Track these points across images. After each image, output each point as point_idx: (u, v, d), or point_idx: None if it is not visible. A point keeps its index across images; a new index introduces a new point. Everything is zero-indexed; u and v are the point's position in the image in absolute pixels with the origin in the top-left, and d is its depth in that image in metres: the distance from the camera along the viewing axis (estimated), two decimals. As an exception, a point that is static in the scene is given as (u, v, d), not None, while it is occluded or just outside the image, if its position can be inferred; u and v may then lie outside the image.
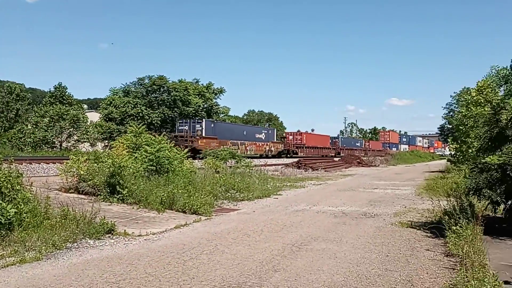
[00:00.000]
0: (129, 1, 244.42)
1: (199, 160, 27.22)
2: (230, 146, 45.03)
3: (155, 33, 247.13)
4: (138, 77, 58.22)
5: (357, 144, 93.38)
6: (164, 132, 29.13)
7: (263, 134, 58.82)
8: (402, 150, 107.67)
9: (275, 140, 61.45)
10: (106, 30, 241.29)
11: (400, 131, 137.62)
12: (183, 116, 53.68)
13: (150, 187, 14.17)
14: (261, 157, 53.03)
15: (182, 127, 46.74)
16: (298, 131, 70.29)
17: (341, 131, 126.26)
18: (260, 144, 56.59)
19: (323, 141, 75.74)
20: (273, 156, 56.36)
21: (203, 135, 45.73)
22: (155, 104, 54.06)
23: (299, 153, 63.62)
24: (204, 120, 49.21)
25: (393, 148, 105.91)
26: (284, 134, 67.73)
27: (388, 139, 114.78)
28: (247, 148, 53.62)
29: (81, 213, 9.78)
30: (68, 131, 45.64)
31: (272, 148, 59.17)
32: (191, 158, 24.87)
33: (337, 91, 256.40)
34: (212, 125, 48.59)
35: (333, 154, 72.12)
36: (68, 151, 37.52)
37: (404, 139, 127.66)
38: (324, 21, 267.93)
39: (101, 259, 7.80)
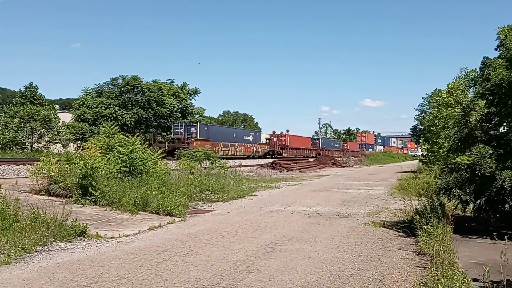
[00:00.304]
0: (98, 1, 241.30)
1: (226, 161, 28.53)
2: (222, 147, 50.14)
3: (128, 33, 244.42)
4: (111, 77, 57.59)
5: (336, 145, 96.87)
6: (137, 133, 28.87)
7: (251, 136, 61.42)
8: (377, 151, 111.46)
9: (261, 142, 64.07)
10: (78, 29, 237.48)
11: (373, 132, 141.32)
12: (177, 120, 55.92)
13: (123, 189, 14.00)
14: (248, 158, 54.86)
15: (177, 130, 48.95)
16: (282, 133, 72.24)
17: (316, 132, 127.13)
18: (248, 146, 59.08)
19: (305, 143, 78.34)
20: (260, 157, 58.16)
21: (198, 137, 47.60)
22: (128, 105, 53.42)
23: (283, 153, 65.98)
24: (198, 123, 51.01)
25: (369, 149, 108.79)
26: (269, 136, 69.41)
27: (364, 140, 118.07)
28: (237, 149, 56.03)
29: (52, 216, 9.60)
30: (39, 132, 44.74)
31: (259, 150, 61.75)
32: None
33: (312, 92, 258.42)
34: (206, 128, 50.84)
35: (314, 155, 74.29)
36: (39, 153, 36.79)
37: (379, 140, 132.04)
38: (298, 21, 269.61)
39: (72, 262, 7.67)
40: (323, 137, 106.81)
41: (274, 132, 71.92)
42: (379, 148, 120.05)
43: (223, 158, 34.79)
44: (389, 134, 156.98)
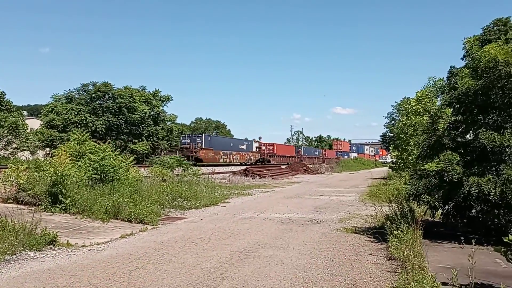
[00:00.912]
0: (69, 4, 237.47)
1: (199, 168, 30.37)
2: (222, 155, 58.11)
3: (98, 38, 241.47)
4: (82, 83, 56.38)
5: (316, 153, 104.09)
6: (109, 140, 28.49)
7: (245, 145, 69.05)
8: (352, 157, 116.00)
9: (253, 150, 70.75)
10: (46, 32, 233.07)
11: (345, 139, 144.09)
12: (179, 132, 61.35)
13: (94, 196, 13.81)
14: (242, 164, 59.52)
15: (184, 141, 56.51)
16: (270, 143, 79.07)
17: (287, 139, 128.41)
18: (243, 154, 66.30)
19: (290, 151, 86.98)
20: (251, 164, 62.57)
21: (203, 146, 54.84)
22: (99, 111, 52.55)
23: (272, 161, 72.53)
24: (203, 134, 59.05)
25: (345, 156, 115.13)
26: (258, 145, 75.35)
27: (340, 148, 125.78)
28: (234, 157, 63.05)
29: (20, 224, 9.40)
30: (6, 139, 43.63)
31: (252, 157, 68.33)
32: (194, 165, 30.08)
33: (284, 100, 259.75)
34: (209, 139, 58.37)
35: (298, 161, 78.29)
36: (6, 160, 35.90)
37: (354, 148, 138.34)
38: (269, 28, 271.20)
39: (42, 271, 7.53)
40: (305, 146, 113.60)
41: (270, 143, 78.86)
42: (353, 155, 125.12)
43: (224, 165, 44.55)
44: (359, 142, 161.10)
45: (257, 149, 72.72)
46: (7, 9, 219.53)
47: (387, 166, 47.93)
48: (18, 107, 58.80)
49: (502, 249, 5.99)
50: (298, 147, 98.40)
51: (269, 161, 70.99)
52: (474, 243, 6.67)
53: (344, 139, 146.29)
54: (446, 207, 10.66)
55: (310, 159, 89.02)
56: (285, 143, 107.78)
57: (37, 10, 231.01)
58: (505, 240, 5.78)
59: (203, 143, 55.27)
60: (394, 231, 9.16)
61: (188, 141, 55.75)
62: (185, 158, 41.99)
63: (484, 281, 6.42)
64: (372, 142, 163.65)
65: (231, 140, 68.54)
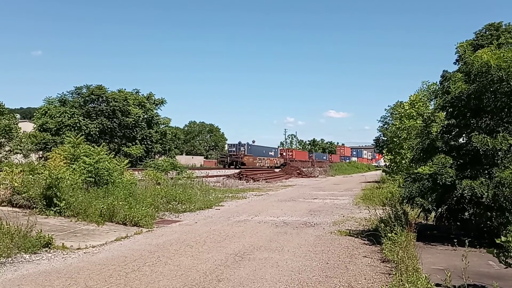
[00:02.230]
0: (61, 6, 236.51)
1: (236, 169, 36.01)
2: (258, 160, 71.01)
3: (92, 41, 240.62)
4: (75, 86, 56.27)
5: (324, 158, 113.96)
6: (103, 143, 28.45)
7: (273, 151, 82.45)
8: (352, 161, 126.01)
9: (278, 156, 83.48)
10: (38, 36, 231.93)
11: (338, 143, 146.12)
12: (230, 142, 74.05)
13: (89, 199, 13.81)
14: (270, 168, 70.53)
15: (231, 149, 70.06)
16: (288, 148, 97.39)
17: (281, 143, 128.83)
18: (272, 159, 79.01)
19: (304, 156, 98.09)
20: (277, 167, 72.81)
21: (245, 153, 67.77)
22: (93, 114, 52.35)
23: (291, 164, 78.42)
24: (246, 144, 70.20)
25: (347, 160, 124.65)
26: (281, 152, 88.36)
27: (343, 153, 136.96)
28: (266, 161, 75.59)
29: (15, 227, 9.38)
30: (-1, 142, 43.42)
31: (278, 162, 79.79)
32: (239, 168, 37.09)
33: (277, 103, 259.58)
34: (249, 147, 70.60)
35: (310, 165, 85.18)
36: (-1, 163, 35.68)
37: (354, 153, 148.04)
38: (262, 31, 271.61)
39: (38, 274, 7.54)
40: (316, 151, 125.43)
41: (288, 148, 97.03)
42: (354, 159, 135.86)
43: (261, 168, 57.81)
44: (353, 145, 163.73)
45: (281, 155, 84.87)
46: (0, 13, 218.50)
47: (380, 169, 48.12)
48: (11, 110, 58.55)
49: (495, 251, 6.08)
50: (310, 152, 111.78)
51: (289, 164, 78.40)
52: (467, 245, 6.75)
53: (338, 143, 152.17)
54: (440, 209, 10.77)
55: (319, 162, 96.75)
56: (278, 146, 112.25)
57: (29, 13, 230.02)
58: (497, 242, 5.87)
59: (245, 151, 68.16)
60: (388, 234, 9.25)
61: (234, 149, 68.50)
62: (233, 163, 62.78)
63: (477, 282, 6.51)
64: (366, 145, 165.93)
65: (263, 148, 78.95)
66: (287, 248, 9.97)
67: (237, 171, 46.59)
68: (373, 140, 63.03)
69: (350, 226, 13.33)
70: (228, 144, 75.85)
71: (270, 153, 79.78)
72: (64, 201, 13.09)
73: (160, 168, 28.24)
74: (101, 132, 52.45)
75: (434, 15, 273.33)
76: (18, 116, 66.86)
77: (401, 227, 9.33)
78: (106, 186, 16.03)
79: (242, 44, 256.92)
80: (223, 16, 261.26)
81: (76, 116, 51.25)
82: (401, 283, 6.27)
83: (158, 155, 58.40)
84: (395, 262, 7.76)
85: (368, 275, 7.58)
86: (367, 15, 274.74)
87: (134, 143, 55.13)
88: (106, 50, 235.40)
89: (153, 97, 62.11)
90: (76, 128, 49.10)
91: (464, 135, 10.97)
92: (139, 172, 27.11)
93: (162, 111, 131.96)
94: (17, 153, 44.04)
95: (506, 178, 8.97)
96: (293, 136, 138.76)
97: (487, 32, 30.26)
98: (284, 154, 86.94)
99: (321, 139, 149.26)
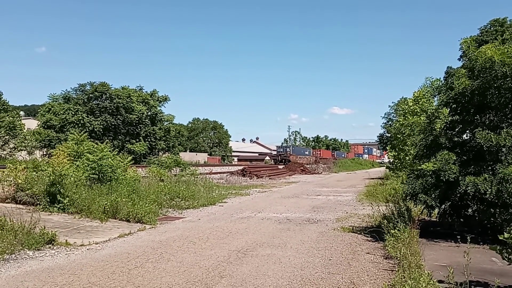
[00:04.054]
0: (65, 3, 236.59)
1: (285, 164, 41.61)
2: (298, 157, 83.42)
3: (96, 39, 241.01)
4: (79, 83, 56.25)
5: (343, 155, 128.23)
6: (106, 140, 28.51)
7: (307, 151, 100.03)
8: (364, 158, 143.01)
9: (311, 155, 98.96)
10: (41, 33, 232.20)
11: (342, 140, 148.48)
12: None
13: (93, 196, 13.83)
14: (307, 164, 79.54)
15: (280, 149, 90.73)
16: (318, 148, 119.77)
17: (285, 139, 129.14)
18: (307, 157, 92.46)
19: (328, 154, 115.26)
20: (310, 163, 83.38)
21: (291, 153, 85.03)
22: (97, 111, 52.40)
23: (320, 162, 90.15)
24: (290, 146, 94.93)
25: (360, 157, 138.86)
26: (313, 151, 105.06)
27: (357, 150, 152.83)
28: (303, 159, 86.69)
29: (19, 224, 9.42)
30: (3, 139, 43.56)
31: (310, 159, 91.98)
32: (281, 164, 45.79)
33: (281, 100, 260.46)
34: (293, 148, 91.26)
35: (333, 162, 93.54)
36: (4, 160, 35.84)
37: (366, 150, 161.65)
38: (268, 28, 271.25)
39: (41, 270, 7.56)
40: (337, 150, 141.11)
41: (317, 148, 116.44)
42: (365, 156, 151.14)
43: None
44: (356, 142, 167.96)
45: (312, 154, 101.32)
46: (2, 10, 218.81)
47: (384, 166, 48.04)
48: (15, 107, 58.75)
49: (498, 248, 6.05)
50: (333, 150, 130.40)
51: (318, 162, 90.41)
52: (469, 242, 6.73)
53: (342, 140, 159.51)
54: (443, 206, 10.74)
55: (340, 159, 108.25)
56: (280, 144, 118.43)
57: (33, 10, 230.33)
58: (500, 238, 5.84)
59: (290, 151, 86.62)
60: (391, 230, 9.24)
61: (282, 150, 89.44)
62: (282, 160, 79.32)
63: (480, 279, 6.50)
64: (369, 142, 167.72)
65: (301, 149, 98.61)
66: (290, 245, 9.97)
67: (240, 168, 46.60)
68: (377, 136, 62.99)
69: (353, 223, 13.31)
70: (277, 146, 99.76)
71: (305, 152, 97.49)
72: (67, 198, 13.11)
73: (164, 165, 28.26)
74: (105, 129, 52.52)
75: (438, 12, 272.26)
76: (22, 113, 67.07)
77: (404, 224, 9.32)
78: (109, 183, 16.05)
79: (246, 41, 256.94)
80: (227, 13, 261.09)
81: (80, 113, 51.32)
82: (403, 279, 6.26)
83: (162, 152, 58.40)
84: (398, 258, 7.74)
85: (371, 271, 7.57)
86: (372, 12, 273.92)
87: (137, 140, 55.16)
88: (110, 47, 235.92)
89: (156, 94, 62.06)
90: (80, 125, 49.17)
91: (467, 131, 10.93)
92: (143, 169, 27.16)
93: (166, 108, 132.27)
94: (22, 150, 44.23)
95: (510, 175, 8.92)
96: (296, 133, 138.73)
97: (491, 28, 30.02)
98: (314, 153, 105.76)
99: (325, 136, 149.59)
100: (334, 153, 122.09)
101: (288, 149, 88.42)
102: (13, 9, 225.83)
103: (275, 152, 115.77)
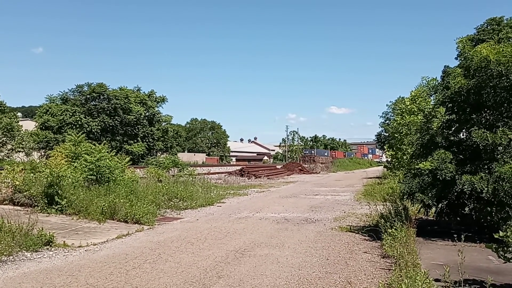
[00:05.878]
0: (62, 4, 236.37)
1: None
2: (320, 159, 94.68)
3: (93, 39, 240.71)
4: (76, 84, 56.13)
5: (351, 155, 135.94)
6: (104, 141, 28.49)
7: (326, 153, 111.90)
8: (369, 158, 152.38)
9: (328, 156, 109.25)
10: (38, 33, 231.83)
11: (340, 139, 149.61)
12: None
13: (91, 197, 13.83)
14: (323, 163, 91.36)
15: (306, 151, 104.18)
16: (331, 149, 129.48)
17: (283, 139, 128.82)
18: (325, 158, 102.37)
19: (341, 155, 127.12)
20: (327, 163, 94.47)
21: (315, 155, 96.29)
22: (94, 112, 52.33)
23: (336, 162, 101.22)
24: (314, 149, 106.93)
25: (365, 157, 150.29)
26: (331, 153, 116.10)
27: (363, 151, 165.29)
28: (323, 159, 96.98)
29: (17, 225, 9.41)
30: (1, 141, 43.47)
31: (327, 160, 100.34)
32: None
33: (279, 100, 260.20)
34: (316, 151, 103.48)
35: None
36: (1, 161, 35.75)
37: (370, 150, 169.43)
38: (264, 28, 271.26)
39: (39, 272, 7.57)
40: (349, 152, 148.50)
41: (332, 149, 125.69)
42: (370, 156, 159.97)
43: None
44: (354, 141, 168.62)
45: (330, 155, 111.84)
46: None
47: (382, 165, 48.10)
48: (12, 109, 58.59)
49: (494, 246, 6.09)
50: (345, 151, 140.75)
51: (334, 162, 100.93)
52: (464, 240, 6.77)
53: (339, 139, 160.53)
54: (440, 205, 10.78)
55: (349, 159, 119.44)
56: (280, 143, 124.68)
57: (30, 11, 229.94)
58: (496, 237, 5.88)
59: (315, 153, 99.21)
60: (388, 230, 9.27)
61: (307, 152, 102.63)
62: (309, 160, 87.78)
63: (476, 277, 6.52)
64: (367, 141, 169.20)
65: (322, 151, 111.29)
66: (288, 245, 9.99)
67: (239, 168, 46.62)
68: (375, 135, 63.02)
69: (351, 222, 13.35)
70: (304, 150, 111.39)
71: (325, 154, 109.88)
72: (65, 199, 13.12)
73: (162, 166, 28.29)
74: (102, 130, 52.46)
75: (436, 11, 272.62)
76: (19, 114, 66.91)
77: (401, 223, 9.35)
78: (107, 184, 16.06)
79: (243, 41, 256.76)
80: (224, 13, 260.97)
81: (77, 114, 51.25)
82: (400, 278, 6.29)
83: (160, 152, 58.36)
84: (395, 257, 7.78)
85: (368, 270, 7.60)
86: (369, 11, 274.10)
87: (135, 141, 55.09)
88: (107, 47, 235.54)
89: (154, 95, 62.01)
90: (77, 126, 49.10)
91: (464, 130, 10.97)
92: (141, 169, 27.14)
93: (164, 108, 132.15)
94: (19, 151, 44.10)
95: (505, 173, 8.96)
96: (294, 132, 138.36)
97: (488, 27, 30.05)
98: (331, 154, 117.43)
99: (323, 135, 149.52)
100: (346, 153, 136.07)
101: (313, 151, 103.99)
102: (10, 10, 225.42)
103: (273, 152, 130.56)
